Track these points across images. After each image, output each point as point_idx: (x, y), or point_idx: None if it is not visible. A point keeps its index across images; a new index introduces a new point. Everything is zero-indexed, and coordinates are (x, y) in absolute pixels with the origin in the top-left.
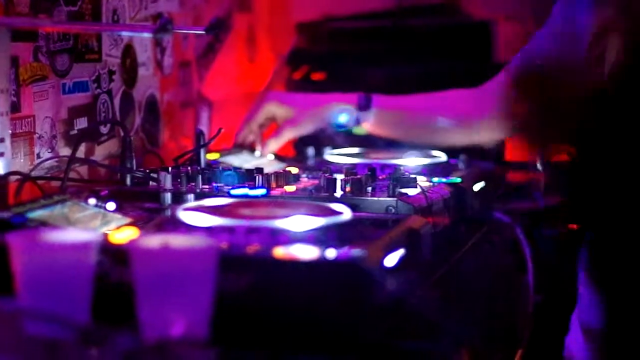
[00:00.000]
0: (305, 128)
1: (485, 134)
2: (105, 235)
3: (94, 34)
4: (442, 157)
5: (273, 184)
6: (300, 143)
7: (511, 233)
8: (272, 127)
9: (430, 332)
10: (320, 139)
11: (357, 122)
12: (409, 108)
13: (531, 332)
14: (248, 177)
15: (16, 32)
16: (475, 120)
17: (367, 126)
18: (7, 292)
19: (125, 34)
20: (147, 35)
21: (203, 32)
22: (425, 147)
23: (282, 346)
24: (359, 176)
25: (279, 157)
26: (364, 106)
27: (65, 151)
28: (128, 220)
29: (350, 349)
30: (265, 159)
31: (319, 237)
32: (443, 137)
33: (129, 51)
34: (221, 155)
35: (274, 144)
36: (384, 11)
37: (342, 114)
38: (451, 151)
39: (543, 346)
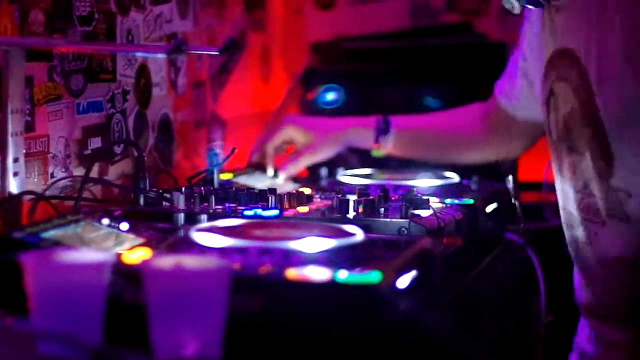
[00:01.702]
0: (324, 154)
1: (502, 150)
2: (119, 255)
3: (109, 54)
4: (455, 178)
5: (286, 205)
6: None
7: (523, 254)
8: (289, 150)
9: (443, 354)
10: (334, 160)
11: (377, 142)
12: (427, 126)
13: (543, 354)
14: (261, 197)
15: (31, 52)
16: (491, 136)
17: (386, 148)
18: (21, 312)
19: (139, 54)
20: (161, 55)
21: (217, 53)
22: (445, 166)
23: None
24: (371, 197)
25: (292, 177)
26: (383, 129)
27: (79, 171)
28: (141, 240)
29: None
30: (278, 180)
31: (332, 259)
32: (462, 154)
33: (143, 71)
34: (235, 176)
35: (292, 169)
36: (398, 31)
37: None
38: (464, 172)
39: None
